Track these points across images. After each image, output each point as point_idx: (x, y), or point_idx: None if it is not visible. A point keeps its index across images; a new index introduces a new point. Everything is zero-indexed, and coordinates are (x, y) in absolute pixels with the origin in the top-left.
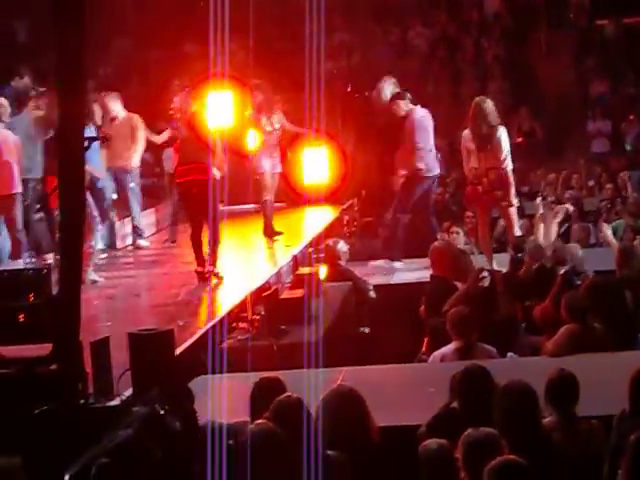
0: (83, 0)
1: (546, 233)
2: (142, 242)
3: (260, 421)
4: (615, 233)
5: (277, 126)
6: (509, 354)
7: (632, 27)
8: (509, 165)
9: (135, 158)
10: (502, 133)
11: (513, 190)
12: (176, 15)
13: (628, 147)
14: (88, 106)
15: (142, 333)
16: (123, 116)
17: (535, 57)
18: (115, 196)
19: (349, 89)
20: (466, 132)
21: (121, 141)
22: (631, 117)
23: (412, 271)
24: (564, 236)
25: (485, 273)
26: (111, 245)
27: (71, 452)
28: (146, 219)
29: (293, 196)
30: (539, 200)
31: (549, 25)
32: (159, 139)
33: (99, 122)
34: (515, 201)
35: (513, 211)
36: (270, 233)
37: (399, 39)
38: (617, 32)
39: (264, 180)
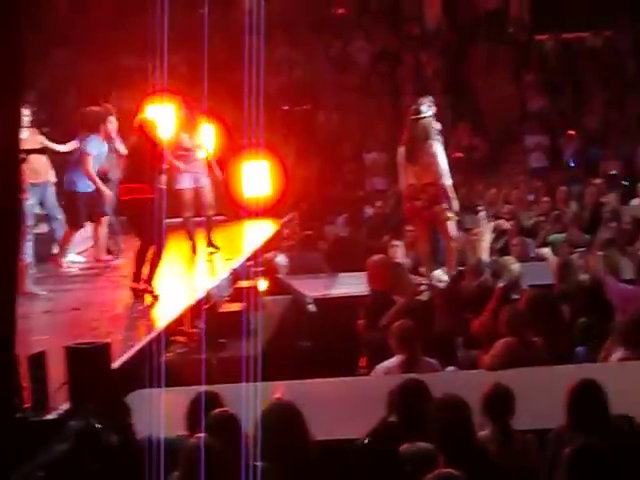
0: (19, 11)
1: (485, 248)
2: (74, 257)
3: (197, 435)
4: (553, 247)
5: (199, 142)
6: (449, 368)
7: (571, 42)
8: (447, 180)
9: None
10: (437, 148)
11: (453, 205)
12: (115, 27)
13: (567, 162)
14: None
15: (79, 347)
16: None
17: (475, 72)
18: (39, 210)
19: (286, 107)
20: (402, 148)
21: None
22: (570, 132)
23: (352, 285)
24: (502, 250)
25: (423, 287)
26: (47, 258)
27: (7, 466)
28: (83, 233)
29: (233, 209)
30: (479, 215)
31: (489, 40)
32: (63, 148)
33: None
34: (454, 216)
35: (452, 226)
36: (194, 249)
37: (340, 53)
38: (556, 47)
39: (183, 196)
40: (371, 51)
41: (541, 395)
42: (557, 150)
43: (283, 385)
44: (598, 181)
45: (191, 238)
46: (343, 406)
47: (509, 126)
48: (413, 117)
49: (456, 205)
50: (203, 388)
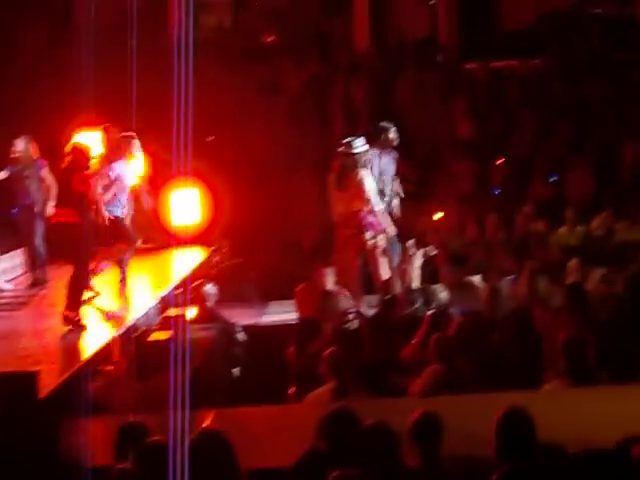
0: None
1: (415, 275)
2: (3, 285)
3: (122, 466)
4: (482, 275)
5: (126, 170)
6: (379, 395)
7: (499, 70)
8: (375, 207)
9: None
10: (364, 175)
11: (389, 230)
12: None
13: (495, 189)
14: None
15: (5, 376)
16: None
17: (404, 99)
18: None
19: (211, 138)
20: (332, 176)
21: None
22: (499, 159)
23: (282, 313)
24: (431, 278)
25: (351, 315)
26: None
27: None
28: (12, 260)
29: (162, 237)
30: (407, 242)
31: (418, 67)
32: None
33: None
34: (383, 243)
35: (380, 253)
36: (122, 277)
37: (269, 79)
38: (485, 75)
39: (108, 225)
40: (300, 78)
41: (470, 422)
42: (486, 177)
43: (212, 413)
44: (527, 208)
45: (119, 266)
46: (272, 434)
47: (438, 153)
48: (345, 150)
49: (392, 230)
50: (131, 417)
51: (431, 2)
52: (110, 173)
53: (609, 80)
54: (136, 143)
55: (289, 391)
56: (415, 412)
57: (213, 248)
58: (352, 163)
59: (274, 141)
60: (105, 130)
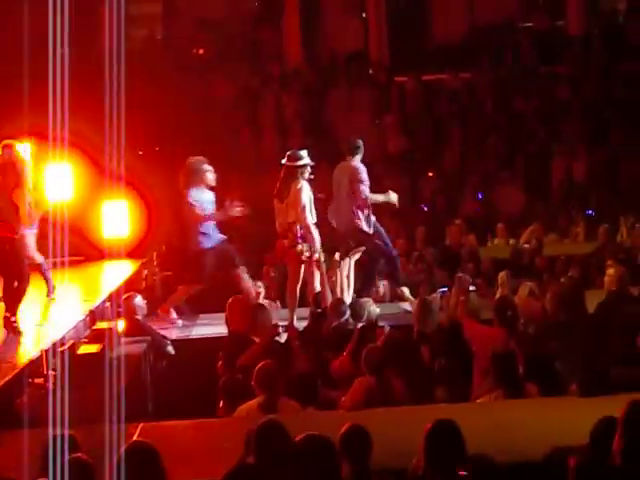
0: None
1: (344, 286)
2: None
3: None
4: (413, 288)
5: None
6: (308, 408)
7: (430, 83)
8: (308, 219)
9: None
10: (301, 187)
11: (315, 244)
12: None
13: (425, 203)
14: None
15: None
16: None
17: (335, 113)
18: None
19: (141, 152)
20: (275, 187)
21: None
22: (430, 174)
23: (212, 326)
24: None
25: (280, 328)
26: None
27: None
28: None
29: (92, 250)
30: (336, 255)
31: (349, 81)
32: None
33: None
34: (317, 256)
35: (314, 266)
36: (50, 291)
37: (201, 92)
38: (416, 88)
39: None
40: (232, 90)
41: (400, 435)
42: (417, 191)
43: (140, 427)
44: (458, 222)
45: (46, 280)
46: (201, 448)
47: (369, 167)
48: (287, 162)
49: (317, 243)
50: (61, 430)
51: (363, 15)
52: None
53: (540, 94)
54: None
55: (218, 405)
56: (344, 425)
57: (143, 261)
58: (292, 174)
59: (205, 153)
60: (30, 145)
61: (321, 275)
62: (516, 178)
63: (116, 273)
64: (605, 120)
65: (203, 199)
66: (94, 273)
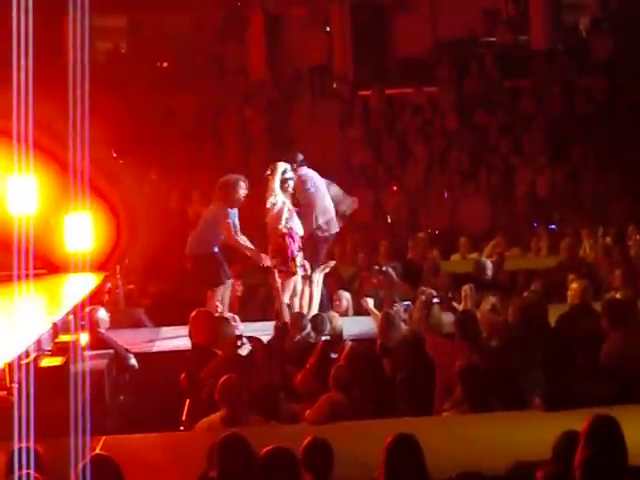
0: None
1: (314, 301)
2: None
3: None
4: (376, 301)
5: None
6: (271, 422)
7: (394, 98)
8: (282, 231)
9: None
10: (278, 200)
11: (289, 258)
12: None
13: (388, 217)
14: None
15: None
16: None
17: (299, 127)
18: None
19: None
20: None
21: None
22: (394, 187)
23: (175, 339)
24: (326, 304)
25: (244, 340)
26: None
27: None
28: None
29: (55, 263)
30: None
31: (313, 95)
32: None
33: None
34: (291, 269)
35: (286, 280)
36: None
37: (165, 106)
38: (379, 103)
39: None
40: (195, 104)
41: (362, 449)
42: (380, 204)
43: (102, 440)
44: (421, 235)
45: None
46: (163, 461)
47: (333, 180)
48: (268, 174)
49: (293, 256)
50: (25, 443)
51: (327, 29)
52: None
53: (503, 108)
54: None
55: (181, 418)
56: (306, 439)
57: (106, 274)
58: (271, 187)
59: (168, 167)
60: None
61: (294, 289)
62: (479, 192)
63: (79, 286)
64: (568, 134)
65: (232, 215)
66: (57, 286)
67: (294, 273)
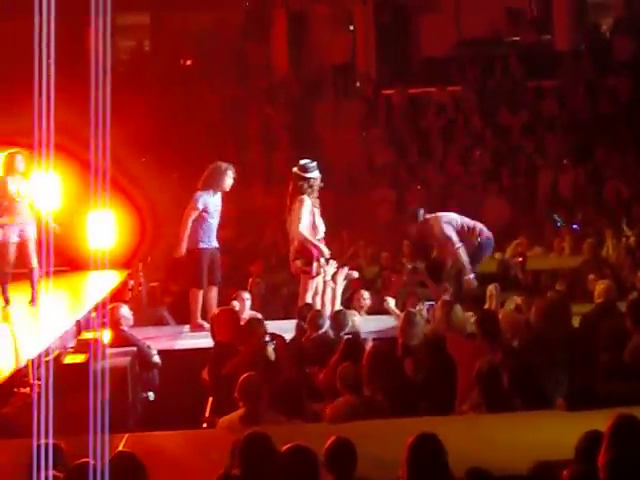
0: None
1: (332, 300)
2: None
3: None
4: (399, 300)
5: (27, 191)
6: (293, 420)
7: (417, 97)
8: (304, 234)
9: None
10: (302, 203)
11: (314, 259)
12: None
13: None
14: None
15: None
16: None
17: (322, 126)
18: None
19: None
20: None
21: None
22: (418, 187)
23: (197, 337)
24: (349, 302)
25: (268, 338)
26: None
27: None
28: None
29: (78, 261)
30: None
31: (336, 94)
32: None
33: None
34: (315, 270)
35: (310, 280)
36: (33, 300)
37: (187, 104)
38: (402, 102)
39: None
40: (218, 102)
41: (384, 448)
42: (403, 204)
43: (125, 437)
44: None
45: (33, 288)
46: (186, 459)
47: (356, 180)
48: (296, 173)
49: (319, 258)
50: (46, 440)
51: (350, 28)
52: (11, 194)
53: (526, 108)
54: (19, 159)
55: (204, 415)
56: (329, 438)
57: (129, 271)
58: (299, 187)
59: (191, 165)
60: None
61: (316, 289)
62: (502, 192)
63: (102, 283)
64: (591, 134)
65: (208, 201)
66: (80, 283)
67: (318, 274)
